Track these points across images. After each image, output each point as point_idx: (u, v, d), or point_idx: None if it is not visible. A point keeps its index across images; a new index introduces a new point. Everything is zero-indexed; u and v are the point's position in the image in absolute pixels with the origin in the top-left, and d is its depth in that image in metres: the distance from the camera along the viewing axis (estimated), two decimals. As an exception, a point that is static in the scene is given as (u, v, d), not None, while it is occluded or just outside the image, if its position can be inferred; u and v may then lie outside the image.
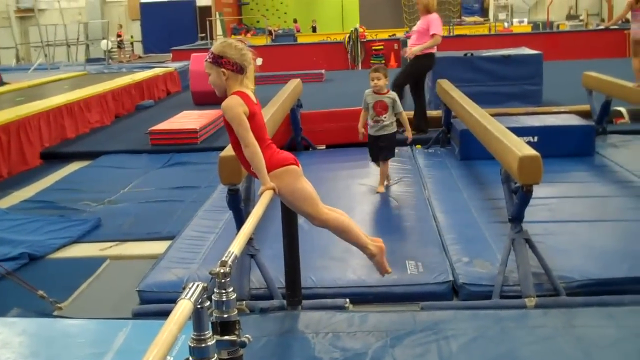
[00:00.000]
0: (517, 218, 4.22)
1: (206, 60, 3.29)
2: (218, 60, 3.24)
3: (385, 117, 6.16)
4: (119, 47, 27.88)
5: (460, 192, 6.07)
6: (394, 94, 6.29)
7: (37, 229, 5.85)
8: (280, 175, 3.29)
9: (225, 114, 3.23)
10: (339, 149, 8.20)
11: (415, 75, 8.75)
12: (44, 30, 23.70)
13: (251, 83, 3.35)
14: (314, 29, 28.64)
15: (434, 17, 8.50)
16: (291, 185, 3.33)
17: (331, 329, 3.64)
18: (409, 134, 6.36)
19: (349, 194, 6.28)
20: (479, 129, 5.46)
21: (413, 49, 8.56)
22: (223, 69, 3.23)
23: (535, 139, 6.89)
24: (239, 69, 3.25)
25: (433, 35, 8.40)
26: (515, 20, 26.66)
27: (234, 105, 3.20)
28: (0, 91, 13.18)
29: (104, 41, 25.20)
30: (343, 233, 3.46)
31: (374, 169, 7.22)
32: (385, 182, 6.34)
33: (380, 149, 6.24)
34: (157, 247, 5.27)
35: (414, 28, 8.77)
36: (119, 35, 28.12)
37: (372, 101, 6.20)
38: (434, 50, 8.72)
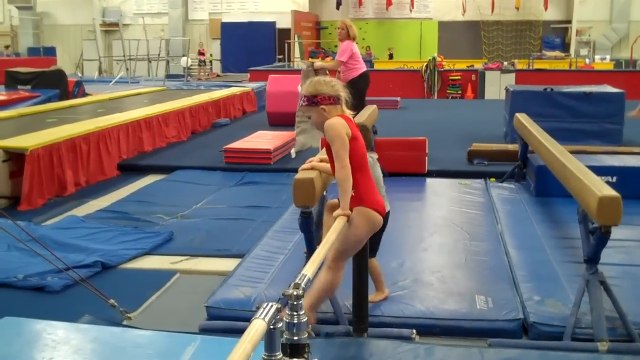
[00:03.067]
0: (592, 259, 4.11)
1: (302, 105, 3.36)
2: (314, 100, 3.31)
3: None
4: (199, 64, 28.44)
5: (534, 229, 5.96)
6: None
7: (111, 238, 5.98)
8: (367, 216, 3.33)
9: (327, 133, 3.27)
10: (408, 177, 8.15)
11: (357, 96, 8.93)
12: (127, 45, 24.37)
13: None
14: (390, 56, 28.61)
15: (344, 45, 9.23)
16: (361, 230, 3.37)
17: (396, 359, 3.60)
18: None
19: (420, 224, 6.24)
20: (556, 165, 5.36)
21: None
22: (322, 106, 3.30)
23: (614, 179, 6.72)
24: (336, 100, 3.31)
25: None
26: (597, 57, 26.17)
27: (337, 125, 3.25)
28: (83, 102, 13.58)
29: (184, 58, 25.75)
30: (322, 292, 3.54)
31: (445, 199, 7.17)
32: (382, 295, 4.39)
33: None
34: (226, 264, 5.32)
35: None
36: (201, 53, 28.68)
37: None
38: (363, 69, 9.34)
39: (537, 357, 3.65)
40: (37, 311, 4.38)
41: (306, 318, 2.22)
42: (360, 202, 3.28)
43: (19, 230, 5.04)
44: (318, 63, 10.29)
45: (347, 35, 9.21)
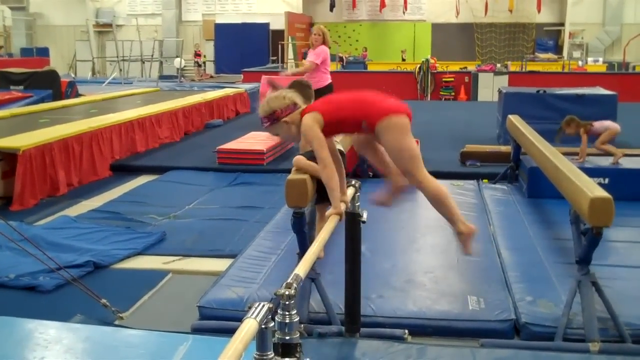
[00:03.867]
0: (584, 260, 4.12)
1: (265, 128, 3.37)
2: (273, 117, 3.31)
3: None
4: (196, 65, 28.45)
5: (526, 230, 5.97)
6: None
7: (103, 238, 5.97)
8: (391, 125, 3.29)
9: (305, 137, 3.26)
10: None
11: None
12: (120, 46, 24.34)
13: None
14: (403, 60, 28.43)
15: (319, 49, 9.16)
16: (399, 140, 3.32)
17: (389, 359, 3.60)
18: None
19: (412, 225, 6.24)
20: (549, 167, 5.38)
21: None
22: (284, 119, 3.29)
23: (606, 180, 6.75)
24: (293, 107, 3.31)
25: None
26: (590, 59, 26.24)
27: (310, 124, 3.22)
28: (76, 102, 13.55)
29: (177, 59, 25.73)
30: (438, 202, 3.46)
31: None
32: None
33: None
34: (218, 265, 5.32)
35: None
36: (198, 55, 28.67)
37: None
38: (330, 80, 9.43)
39: (529, 357, 3.66)
40: (29, 311, 4.36)
41: (298, 318, 2.21)
42: (374, 121, 3.27)
43: (11, 230, 5.03)
44: (290, 71, 10.58)
45: (322, 42, 9.21)
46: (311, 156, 4.44)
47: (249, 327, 1.81)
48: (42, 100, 13.85)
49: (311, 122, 3.24)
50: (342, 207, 3.38)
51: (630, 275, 4.83)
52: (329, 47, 9.43)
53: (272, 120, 3.31)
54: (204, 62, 30.21)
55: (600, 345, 3.75)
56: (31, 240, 4.97)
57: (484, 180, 8.10)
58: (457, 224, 3.49)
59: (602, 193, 3.95)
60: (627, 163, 7.52)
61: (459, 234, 3.52)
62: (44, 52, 29.58)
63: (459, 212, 3.54)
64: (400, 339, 3.91)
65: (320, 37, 9.15)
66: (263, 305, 1.93)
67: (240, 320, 1.89)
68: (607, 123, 7.68)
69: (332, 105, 3.40)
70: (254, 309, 1.91)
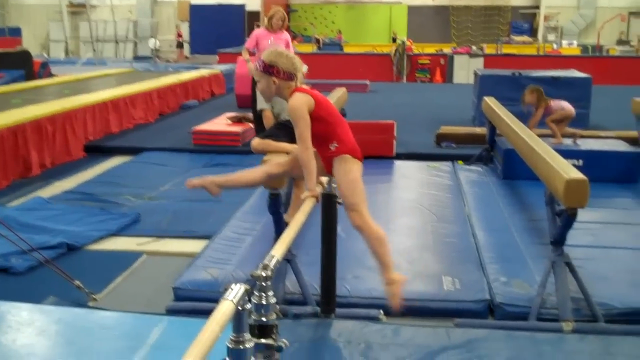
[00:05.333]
0: (558, 241, 4.15)
1: (256, 69, 3.31)
2: (269, 70, 3.25)
3: None
4: (178, 47, 28.33)
5: (501, 211, 6.00)
6: None
7: (77, 220, 5.91)
8: (351, 160, 3.31)
9: (292, 114, 3.23)
10: (376, 160, 8.14)
11: None
12: (94, 26, 24.08)
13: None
14: (394, 39, 28.33)
15: (287, 37, 8.61)
16: (356, 173, 3.33)
17: (364, 340, 3.61)
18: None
19: (388, 207, 6.25)
20: (524, 149, 5.40)
21: None
22: (274, 78, 3.24)
23: (580, 162, 6.79)
24: (290, 77, 3.26)
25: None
26: (564, 42, 26.39)
27: (299, 105, 3.19)
28: (49, 83, 13.38)
29: (152, 40, 25.51)
30: (377, 242, 3.39)
31: (413, 182, 7.19)
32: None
33: None
34: (193, 246, 5.29)
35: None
36: (180, 35, 28.52)
37: None
38: None
39: (503, 336, 3.69)
40: (1, 293, 4.31)
41: (274, 299, 2.20)
42: (343, 151, 3.28)
43: (-17, 211, 4.97)
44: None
45: (282, 26, 8.72)
46: (266, 135, 4.46)
47: (225, 308, 1.80)
48: (14, 80, 13.65)
49: (301, 102, 3.21)
50: (319, 189, 3.37)
51: (603, 255, 4.88)
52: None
53: (266, 70, 3.27)
54: (182, 43, 30.03)
55: (574, 325, 3.78)
56: (3, 222, 4.90)
57: (459, 162, 8.12)
58: (389, 270, 3.42)
59: (578, 175, 3.97)
60: (600, 145, 7.59)
61: (389, 282, 3.41)
62: (16, 32, 29.10)
63: (391, 259, 3.49)
64: (375, 319, 3.91)
65: (282, 22, 8.78)
66: (240, 287, 1.91)
67: (215, 301, 1.88)
68: (564, 104, 7.71)
69: (325, 102, 3.36)
70: (230, 290, 1.89)
